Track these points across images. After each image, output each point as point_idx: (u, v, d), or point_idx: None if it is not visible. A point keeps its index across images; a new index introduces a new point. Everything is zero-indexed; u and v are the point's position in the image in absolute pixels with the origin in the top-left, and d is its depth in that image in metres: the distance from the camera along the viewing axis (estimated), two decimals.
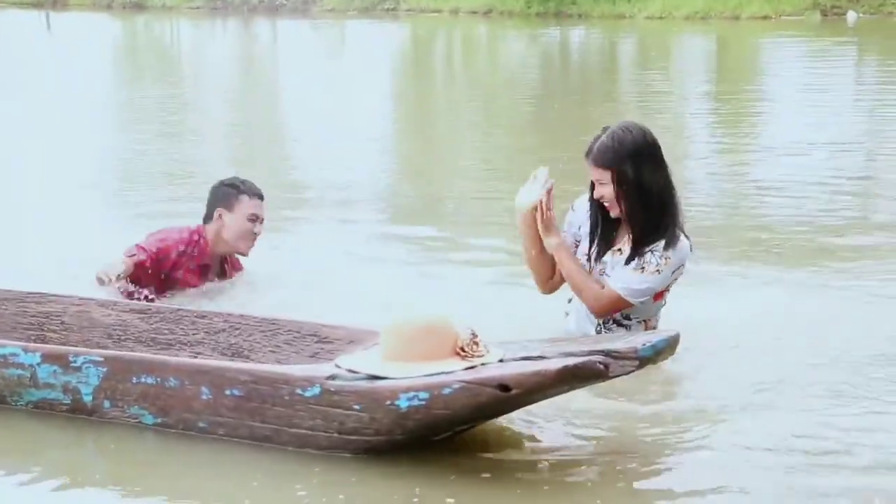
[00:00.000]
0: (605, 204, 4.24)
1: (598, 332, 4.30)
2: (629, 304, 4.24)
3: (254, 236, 5.32)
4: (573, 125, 11.96)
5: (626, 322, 4.34)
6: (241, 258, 5.44)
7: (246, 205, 5.28)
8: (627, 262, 4.23)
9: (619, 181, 4.17)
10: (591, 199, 4.33)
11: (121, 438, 3.72)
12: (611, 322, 4.33)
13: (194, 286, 5.24)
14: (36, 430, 3.83)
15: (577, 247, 4.41)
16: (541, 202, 4.23)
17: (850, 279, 5.60)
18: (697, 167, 9.26)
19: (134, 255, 5.06)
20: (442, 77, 18.99)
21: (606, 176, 4.19)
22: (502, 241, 6.24)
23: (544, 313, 4.63)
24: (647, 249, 4.21)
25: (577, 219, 4.45)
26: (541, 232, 4.26)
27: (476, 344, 3.51)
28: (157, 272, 5.13)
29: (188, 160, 10.04)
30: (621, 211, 4.23)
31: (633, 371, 3.45)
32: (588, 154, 4.23)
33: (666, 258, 4.20)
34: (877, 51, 19.90)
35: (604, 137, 4.21)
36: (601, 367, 3.33)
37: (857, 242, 6.41)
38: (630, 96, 14.89)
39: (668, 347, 3.52)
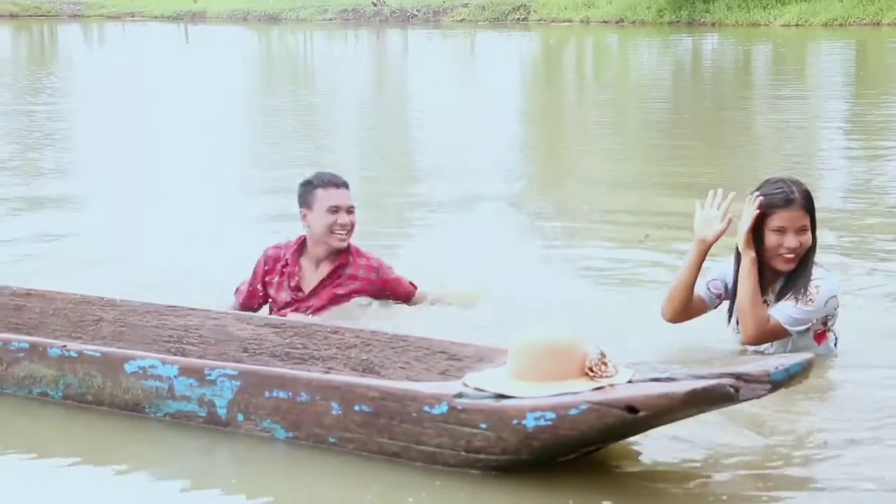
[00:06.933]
0: (791, 255, 4.32)
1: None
2: (787, 334, 4.36)
3: (341, 227, 5.04)
4: (707, 134, 11.80)
5: None
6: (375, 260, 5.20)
7: (322, 198, 5.03)
8: (780, 298, 4.39)
9: (813, 226, 4.34)
10: (748, 250, 4.36)
11: (252, 448, 3.79)
12: None
13: (283, 301, 5.10)
14: (173, 439, 3.92)
15: (719, 298, 4.58)
16: (753, 219, 4.31)
17: None
18: (837, 179, 9.04)
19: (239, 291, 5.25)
20: (574, 84, 18.92)
21: (808, 221, 4.33)
22: (637, 252, 6.19)
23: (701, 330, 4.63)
24: (797, 284, 4.35)
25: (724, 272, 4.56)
26: (742, 244, 4.36)
27: (605, 364, 3.46)
28: (258, 296, 5.19)
29: (319, 165, 10.21)
30: (808, 254, 4.35)
31: (764, 395, 3.36)
32: (792, 203, 4.31)
33: (816, 287, 4.34)
34: None
35: (795, 186, 4.34)
36: (731, 390, 3.27)
37: None
38: (764, 103, 14.62)
39: (801, 372, 3.41)
